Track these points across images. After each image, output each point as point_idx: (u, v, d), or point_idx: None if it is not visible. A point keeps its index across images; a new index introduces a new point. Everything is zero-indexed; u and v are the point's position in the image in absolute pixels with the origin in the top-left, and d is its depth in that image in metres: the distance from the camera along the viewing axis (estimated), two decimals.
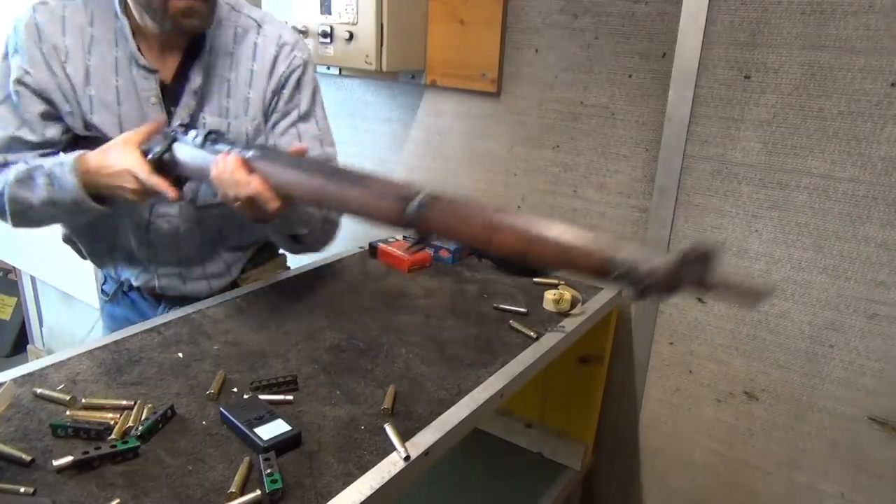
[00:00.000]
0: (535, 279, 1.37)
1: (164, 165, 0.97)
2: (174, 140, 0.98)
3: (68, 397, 0.83)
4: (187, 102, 1.06)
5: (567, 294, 1.26)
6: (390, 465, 0.76)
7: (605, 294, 1.40)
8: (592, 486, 1.68)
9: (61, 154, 1.01)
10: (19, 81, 1.01)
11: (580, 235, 0.64)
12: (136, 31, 1.03)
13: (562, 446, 1.57)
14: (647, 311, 1.46)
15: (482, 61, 1.53)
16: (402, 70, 1.62)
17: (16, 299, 3.13)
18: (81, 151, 0.98)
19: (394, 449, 0.79)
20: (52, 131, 1.04)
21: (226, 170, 0.88)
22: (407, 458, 0.77)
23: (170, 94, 1.06)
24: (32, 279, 2.86)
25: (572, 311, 1.26)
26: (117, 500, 0.67)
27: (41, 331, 2.98)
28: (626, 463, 1.60)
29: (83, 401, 0.83)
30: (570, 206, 1.53)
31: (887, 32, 1.10)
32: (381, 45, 1.47)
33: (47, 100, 1.02)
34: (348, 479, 0.73)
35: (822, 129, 1.19)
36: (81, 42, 1.02)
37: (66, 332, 2.74)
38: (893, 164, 1.15)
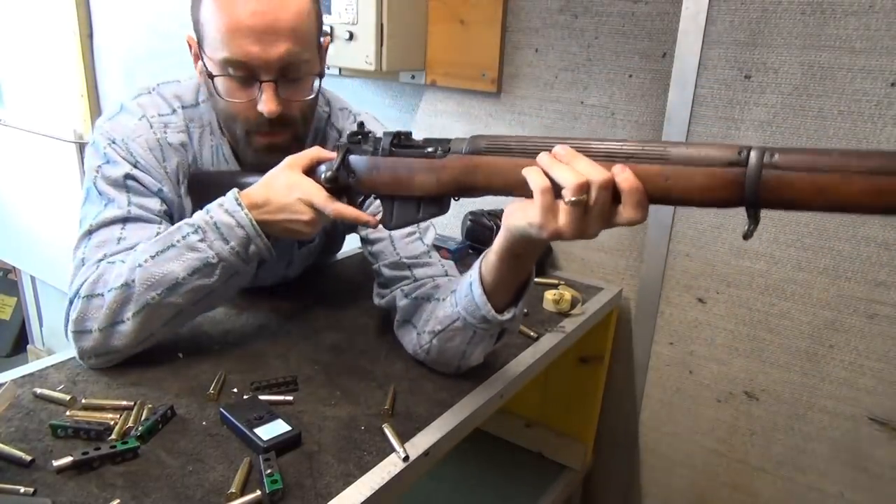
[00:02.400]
0: (536, 279, 1.37)
1: (339, 185, 0.83)
2: (348, 151, 0.83)
3: (68, 397, 0.83)
4: None
5: (567, 294, 1.26)
6: (390, 466, 0.76)
7: (605, 294, 1.40)
8: (592, 486, 1.68)
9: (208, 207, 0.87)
10: (134, 178, 0.94)
11: None
12: (234, 150, 1.01)
13: (562, 446, 1.57)
14: (647, 311, 1.46)
15: (482, 61, 1.53)
16: (402, 70, 1.62)
17: (16, 299, 3.13)
18: (235, 189, 0.86)
19: (394, 450, 0.79)
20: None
21: (569, 156, 0.64)
22: (406, 458, 0.77)
23: None
24: (32, 279, 2.87)
25: (572, 312, 1.26)
26: (117, 501, 0.67)
27: (41, 331, 2.98)
28: (626, 463, 1.60)
29: (83, 401, 0.83)
30: None
31: (887, 32, 1.10)
32: (381, 45, 1.47)
33: (158, 191, 0.96)
34: (348, 479, 0.73)
35: (822, 129, 1.19)
36: (180, 158, 0.99)
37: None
38: None
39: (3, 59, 2.57)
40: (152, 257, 0.85)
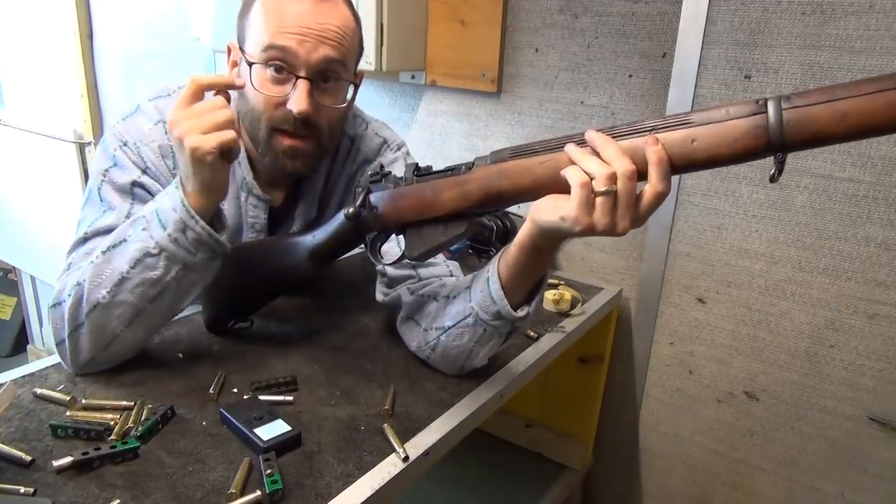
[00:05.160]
0: None
1: (364, 222, 0.85)
2: (368, 191, 0.85)
3: (68, 398, 0.83)
4: (296, 230, 1.04)
5: (567, 294, 1.26)
6: (390, 466, 0.76)
7: (605, 294, 1.40)
8: (592, 486, 1.68)
9: None
10: (141, 185, 0.92)
11: None
12: (249, 156, 1.00)
13: (562, 446, 1.57)
14: (647, 311, 1.46)
15: (482, 61, 1.53)
16: (402, 70, 1.62)
17: (16, 299, 3.13)
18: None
19: (394, 450, 0.79)
20: None
21: (601, 143, 0.66)
22: (406, 458, 0.77)
23: (275, 218, 1.02)
24: (32, 279, 2.86)
25: (572, 312, 1.26)
26: (117, 501, 0.67)
27: (41, 331, 2.98)
28: (626, 463, 1.60)
29: (83, 401, 0.83)
30: None
31: (887, 32, 1.10)
32: (381, 45, 1.47)
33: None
34: (348, 479, 0.73)
35: None
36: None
37: None
38: (893, 164, 1.15)
39: (3, 59, 2.56)
40: (103, 252, 0.81)
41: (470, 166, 0.77)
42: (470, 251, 1.50)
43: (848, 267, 1.22)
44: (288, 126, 0.91)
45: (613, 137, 0.66)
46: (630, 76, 1.37)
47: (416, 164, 0.83)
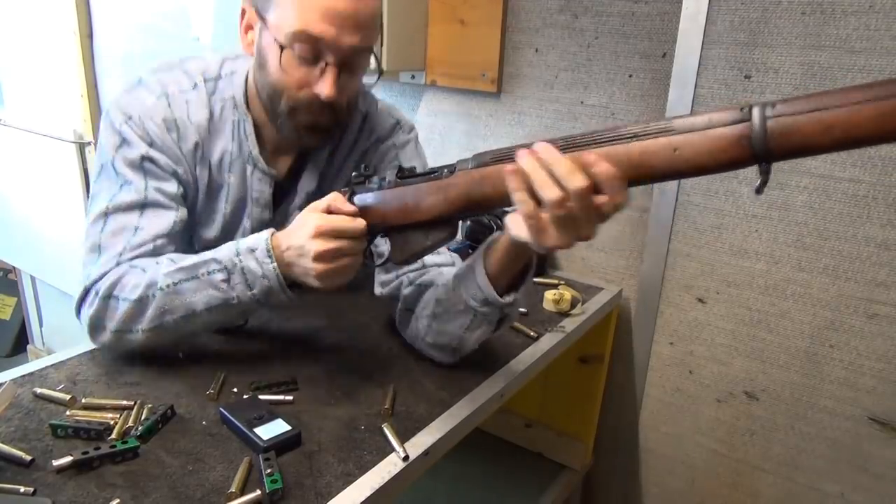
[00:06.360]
0: (536, 279, 1.38)
1: None
2: (353, 194, 0.85)
3: (68, 397, 0.83)
4: (299, 204, 1.03)
5: (567, 294, 1.26)
6: (390, 466, 0.76)
7: (605, 294, 1.40)
8: (592, 486, 1.68)
9: (238, 241, 0.87)
10: (150, 159, 0.93)
11: None
12: (256, 128, 0.99)
13: (562, 446, 1.57)
14: (647, 311, 1.46)
15: (482, 61, 1.53)
16: (402, 70, 1.62)
17: (16, 299, 3.13)
18: (268, 234, 0.85)
19: (394, 449, 0.79)
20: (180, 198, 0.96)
21: (550, 159, 0.63)
22: (406, 458, 0.77)
23: (279, 192, 1.02)
24: (32, 279, 2.86)
25: (572, 311, 1.26)
26: (117, 501, 0.67)
27: (41, 331, 2.98)
28: (626, 463, 1.60)
29: (83, 401, 0.83)
30: None
31: (887, 32, 1.10)
32: (381, 45, 1.47)
33: (173, 172, 0.95)
34: (348, 479, 0.74)
35: None
36: (200, 137, 0.97)
37: (66, 333, 2.74)
38: (893, 164, 1.15)
39: (3, 59, 2.56)
40: (175, 284, 0.85)
41: (452, 170, 0.76)
42: (470, 250, 1.50)
43: (848, 267, 1.22)
44: (311, 106, 0.90)
45: (593, 144, 0.64)
46: (630, 76, 1.37)
47: (400, 167, 0.83)
